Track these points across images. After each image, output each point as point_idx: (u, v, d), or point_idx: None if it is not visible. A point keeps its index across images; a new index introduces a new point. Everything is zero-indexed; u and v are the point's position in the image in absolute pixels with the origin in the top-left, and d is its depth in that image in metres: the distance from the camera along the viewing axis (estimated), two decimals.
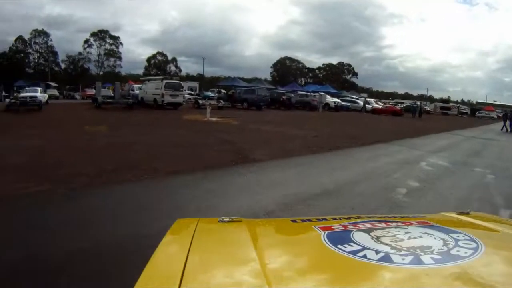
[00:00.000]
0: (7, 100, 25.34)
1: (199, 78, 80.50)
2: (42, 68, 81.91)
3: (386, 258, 0.96)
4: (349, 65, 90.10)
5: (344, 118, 26.73)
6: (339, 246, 1.04)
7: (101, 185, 6.00)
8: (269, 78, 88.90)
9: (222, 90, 42.70)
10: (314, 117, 25.15)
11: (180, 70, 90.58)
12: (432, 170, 8.48)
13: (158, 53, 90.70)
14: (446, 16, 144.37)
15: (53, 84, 51.72)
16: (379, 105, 40.00)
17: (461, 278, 0.90)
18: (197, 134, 12.75)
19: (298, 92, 42.75)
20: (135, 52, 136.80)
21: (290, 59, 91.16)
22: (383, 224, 1.28)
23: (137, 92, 31.00)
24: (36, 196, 5.24)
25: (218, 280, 0.94)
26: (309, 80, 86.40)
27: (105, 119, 17.45)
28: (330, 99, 37.33)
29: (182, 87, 29.84)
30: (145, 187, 6.09)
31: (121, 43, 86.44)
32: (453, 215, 1.53)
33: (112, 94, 30.46)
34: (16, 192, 5.35)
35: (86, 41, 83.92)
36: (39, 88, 30.54)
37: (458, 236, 1.14)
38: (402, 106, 41.49)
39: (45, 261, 3.29)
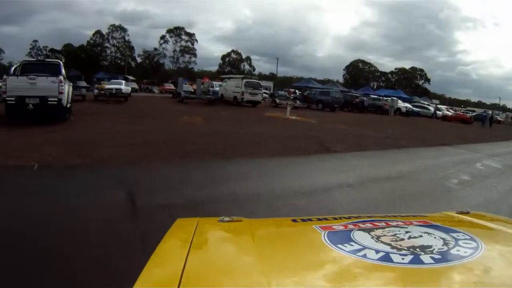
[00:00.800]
0: (96, 91, 27.64)
1: (272, 77, 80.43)
2: (119, 62, 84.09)
3: (386, 258, 0.96)
4: (421, 70, 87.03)
5: (414, 123, 27.35)
6: (340, 246, 1.05)
7: (224, 159, 8.30)
8: (341, 80, 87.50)
9: (297, 91, 44.35)
10: (385, 120, 26.09)
11: (254, 69, 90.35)
12: (485, 169, 9.79)
13: (233, 51, 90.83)
14: None
15: (130, 77, 53.93)
16: (450, 112, 39.69)
17: (461, 277, 0.92)
18: (282, 129, 14.80)
19: (371, 95, 43.39)
20: (207, 49, 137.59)
21: (363, 61, 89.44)
22: (384, 224, 1.29)
23: (217, 89, 33.10)
24: (184, 163, 7.70)
25: (218, 280, 0.94)
26: (381, 84, 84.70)
27: (193, 112, 19.63)
28: (401, 104, 37.65)
29: (261, 86, 31.66)
30: (259, 163, 8.35)
31: (196, 40, 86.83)
32: (453, 214, 1.56)
33: (193, 90, 32.65)
34: (177, 159, 7.87)
35: (162, 37, 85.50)
36: (123, 81, 32.99)
37: (458, 236, 1.14)
38: (473, 114, 40.74)
39: (220, 198, 5.56)
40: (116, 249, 3.51)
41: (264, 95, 36.58)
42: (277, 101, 32.74)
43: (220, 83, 35.41)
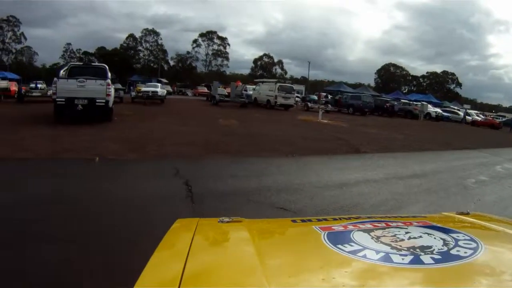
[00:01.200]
0: (133, 93, 28.70)
1: (304, 81, 79.98)
2: (151, 64, 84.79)
3: (386, 258, 0.97)
4: (453, 74, 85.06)
5: (443, 127, 27.56)
6: (339, 246, 1.06)
7: (264, 157, 9.29)
8: (372, 84, 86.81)
9: (328, 95, 44.85)
10: (414, 125, 26.38)
11: (286, 72, 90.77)
12: (503, 171, 10.35)
13: (265, 55, 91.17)
14: None
15: (164, 80, 53.97)
16: (479, 118, 39.32)
17: (461, 278, 0.93)
18: (315, 131, 15.67)
19: (401, 100, 43.46)
20: (238, 52, 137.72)
21: (394, 65, 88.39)
22: (383, 224, 1.30)
23: (250, 92, 33.68)
24: (227, 159, 8.75)
25: (218, 280, 0.95)
26: (412, 88, 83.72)
27: (228, 114, 20.68)
28: (431, 109, 37.50)
29: (294, 90, 32.39)
30: (296, 160, 9.30)
31: (228, 44, 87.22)
32: (453, 215, 1.56)
33: (226, 93, 33.22)
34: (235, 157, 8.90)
35: (195, 41, 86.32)
36: (159, 84, 33.75)
37: (458, 236, 1.14)
38: (502, 119, 40.17)
39: (263, 188, 6.55)
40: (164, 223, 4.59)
41: (296, 99, 37.23)
42: (309, 105, 33.37)
43: (253, 86, 36.31)
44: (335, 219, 1.39)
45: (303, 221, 1.44)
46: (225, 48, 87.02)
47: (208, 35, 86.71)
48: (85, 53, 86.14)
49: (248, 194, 5.92)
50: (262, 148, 10.38)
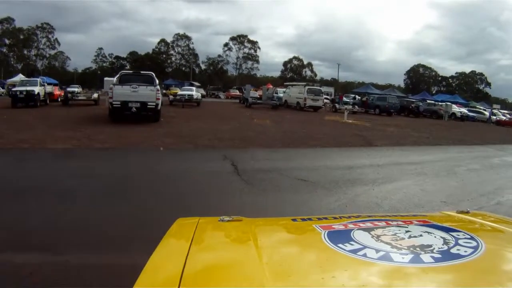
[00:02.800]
0: (171, 96, 30.55)
1: (333, 82, 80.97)
2: (183, 68, 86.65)
3: (387, 257, 0.97)
4: (481, 74, 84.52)
5: (464, 126, 28.47)
6: (340, 245, 1.06)
7: (293, 148, 11.33)
8: (402, 85, 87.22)
9: (357, 96, 46.22)
10: (436, 124, 27.44)
11: (316, 75, 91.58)
12: (498, 162, 11.76)
13: (294, 57, 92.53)
14: None
15: (196, 83, 55.39)
16: (504, 117, 39.63)
17: (461, 277, 0.93)
18: (338, 130, 17.67)
19: (427, 101, 44.37)
20: (269, 54, 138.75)
21: (424, 66, 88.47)
22: (384, 223, 1.30)
23: (281, 95, 35.47)
24: (265, 149, 10.86)
25: (218, 280, 0.95)
26: (442, 88, 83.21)
27: (260, 115, 22.79)
28: (456, 109, 38.33)
29: (322, 93, 34.12)
30: (318, 151, 11.35)
31: (259, 48, 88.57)
32: (453, 214, 1.57)
33: (258, 96, 35.18)
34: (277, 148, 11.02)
35: (226, 45, 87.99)
36: (194, 88, 35.81)
37: (458, 235, 1.15)
38: None
39: (291, 168, 8.57)
40: (228, 185, 6.72)
41: (325, 100, 38.53)
42: (337, 106, 34.71)
43: (284, 89, 38.20)
44: (335, 218, 1.40)
45: (303, 220, 1.44)
46: (255, 51, 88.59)
47: (239, 39, 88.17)
48: (117, 57, 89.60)
49: (278, 170, 8.03)
50: (290, 143, 12.44)
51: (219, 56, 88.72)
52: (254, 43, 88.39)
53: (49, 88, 29.39)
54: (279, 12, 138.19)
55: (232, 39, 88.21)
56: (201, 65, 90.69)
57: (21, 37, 79.13)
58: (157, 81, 16.79)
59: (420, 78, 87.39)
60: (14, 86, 50.55)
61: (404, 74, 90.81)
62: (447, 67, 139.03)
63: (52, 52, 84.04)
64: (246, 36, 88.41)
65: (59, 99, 29.81)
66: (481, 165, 10.96)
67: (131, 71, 18.38)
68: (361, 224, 1.27)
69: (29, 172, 7.23)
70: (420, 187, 7.32)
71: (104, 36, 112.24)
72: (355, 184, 7.18)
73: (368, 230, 1.20)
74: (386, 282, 0.92)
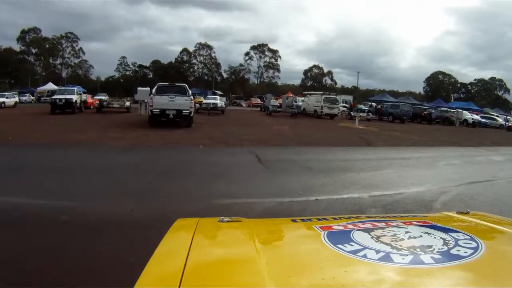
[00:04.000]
0: (197, 105, 31.79)
1: (354, 90, 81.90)
2: (205, 77, 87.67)
3: (386, 258, 0.98)
4: (500, 80, 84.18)
5: (470, 132, 29.69)
6: (340, 246, 1.07)
7: (305, 147, 13.82)
8: (422, 92, 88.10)
9: (373, 104, 48.14)
10: (443, 130, 29.12)
11: (336, 83, 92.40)
12: (482, 160, 13.42)
13: (314, 66, 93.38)
14: None
15: (219, 92, 56.63)
16: None
17: (461, 277, 0.94)
18: (346, 134, 20.15)
19: (441, 108, 46.01)
20: (290, 62, 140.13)
21: (443, 73, 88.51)
22: (383, 224, 1.31)
23: (300, 103, 37.92)
24: (281, 148, 13.40)
25: (218, 280, 0.96)
26: (461, 95, 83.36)
27: (280, 122, 25.50)
28: (468, 116, 39.82)
29: (338, 101, 36.28)
30: (324, 149, 13.79)
31: (280, 57, 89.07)
32: (453, 214, 1.58)
33: (278, 104, 37.47)
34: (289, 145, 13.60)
35: (247, 54, 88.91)
36: (218, 96, 38.74)
37: (458, 236, 1.16)
38: None
39: (301, 160, 11.14)
40: (253, 168, 9.31)
41: (342, 108, 40.77)
42: (352, 113, 36.92)
43: (302, 98, 40.72)
44: (335, 219, 1.41)
45: (303, 220, 1.46)
46: (276, 60, 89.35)
47: (260, 48, 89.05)
48: (140, 66, 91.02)
49: (290, 161, 10.69)
50: (302, 143, 15.01)
51: (241, 65, 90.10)
52: (274, 52, 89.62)
53: (83, 96, 31.98)
54: (299, 20, 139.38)
55: (253, 48, 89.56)
56: (223, 73, 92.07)
57: (47, 46, 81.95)
58: (190, 92, 19.63)
59: (439, 85, 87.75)
60: (43, 94, 54.31)
61: (424, 81, 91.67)
62: (468, 74, 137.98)
63: (76, 60, 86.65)
64: (266, 45, 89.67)
65: (91, 107, 32.42)
66: (461, 161, 13.07)
67: (166, 83, 21.06)
68: (361, 225, 1.28)
69: (112, 160, 10.10)
70: (397, 174, 9.66)
71: (125, 44, 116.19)
72: (347, 171, 9.65)
73: (367, 230, 1.21)
74: (386, 283, 0.92)
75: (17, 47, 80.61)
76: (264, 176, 8.62)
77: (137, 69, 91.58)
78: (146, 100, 27.04)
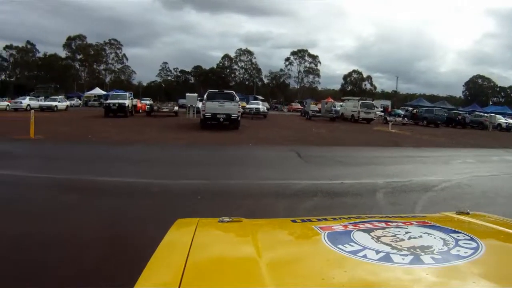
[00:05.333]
0: (240, 109, 34.59)
1: (394, 95, 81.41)
2: (246, 82, 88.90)
3: (387, 258, 0.98)
4: None
5: (502, 136, 30.30)
6: (340, 246, 1.07)
7: (338, 146, 15.95)
8: (462, 96, 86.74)
9: (409, 109, 49.01)
10: (473, 134, 29.63)
11: (375, 88, 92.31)
12: (497, 160, 14.93)
13: (354, 71, 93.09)
14: None
15: (260, 97, 58.11)
16: None
17: (461, 277, 0.94)
18: (378, 136, 22.05)
19: (476, 112, 46.13)
20: (330, 67, 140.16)
21: (482, 77, 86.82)
22: (383, 224, 1.31)
23: (338, 108, 39.33)
24: (319, 147, 15.63)
25: (218, 280, 0.96)
26: (501, 99, 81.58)
27: (319, 126, 27.63)
28: (502, 120, 39.78)
29: (374, 106, 37.95)
30: (355, 148, 15.90)
31: (319, 62, 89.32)
32: (453, 215, 1.58)
33: (318, 109, 39.47)
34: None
35: (287, 59, 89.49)
36: (260, 102, 40.65)
37: (458, 236, 1.16)
38: None
39: (335, 156, 13.37)
40: (294, 162, 11.65)
41: (379, 113, 42.28)
42: (388, 118, 38.28)
43: (341, 103, 42.43)
44: (334, 219, 1.42)
45: (303, 221, 1.46)
46: (316, 65, 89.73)
47: (300, 53, 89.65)
48: (182, 71, 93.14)
49: (324, 156, 13.02)
50: (336, 143, 17.26)
51: (281, 70, 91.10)
52: (314, 57, 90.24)
53: (134, 101, 34.41)
54: (339, 24, 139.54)
55: (293, 53, 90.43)
56: (263, 79, 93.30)
57: (91, 52, 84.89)
58: (237, 98, 22.13)
59: (478, 89, 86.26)
60: (90, 98, 57.86)
61: (463, 85, 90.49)
62: (509, 77, 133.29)
63: (119, 66, 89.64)
64: (306, 50, 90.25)
65: (140, 111, 34.81)
66: (476, 160, 14.51)
67: (216, 90, 23.67)
68: (361, 225, 1.28)
69: (181, 154, 12.76)
70: (414, 168, 11.66)
71: (167, 49, 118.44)
72: (371, 164, 11.75)
73: (368, 231, 1.22)
74: (386, 284, 0.92)
75: (63, 53, 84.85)
76: (302, 167, 10.94)
77: (178, 74, 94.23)
78: (194, 105, 29.96)
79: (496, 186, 9.05)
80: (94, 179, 8.01)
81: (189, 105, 30.81)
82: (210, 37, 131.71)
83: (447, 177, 9.82)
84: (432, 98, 73.15)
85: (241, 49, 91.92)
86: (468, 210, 1.60)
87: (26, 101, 39.03)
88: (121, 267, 3.46)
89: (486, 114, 42.13)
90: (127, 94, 33.11)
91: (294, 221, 1.47)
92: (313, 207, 6.37)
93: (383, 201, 6.92)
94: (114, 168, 9.51)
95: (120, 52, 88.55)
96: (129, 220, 5.44)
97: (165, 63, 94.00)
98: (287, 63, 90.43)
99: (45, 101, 41.00)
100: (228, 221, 1.41)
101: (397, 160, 13.09)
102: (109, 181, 8.03)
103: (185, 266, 0.97)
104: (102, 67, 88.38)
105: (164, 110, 32.61)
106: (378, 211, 6.09)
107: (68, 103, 44.13)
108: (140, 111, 35.04)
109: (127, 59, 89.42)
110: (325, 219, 1.42)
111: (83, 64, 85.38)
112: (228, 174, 9.30)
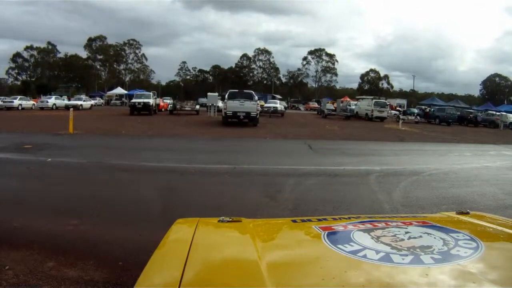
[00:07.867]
0: (259, 107, 35.38)
1: (411, 94, 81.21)
2: (264, 82, 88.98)
3: (387, 258, 0.98)
4: None
5: (506, 134, 30.49)
6: (340, 246, 1.07)
7: (349, 141, 17.59)
8: (479, 95, 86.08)
9: (423, 107, 49.64)
10: (482, 132, 30.35)
11: (392, 87, 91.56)
12: (494, 154, 15.95)
13: (371, 70, 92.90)
14: None
15: (278, 96, 58.74)
16: None
17: (461, 277, 0.93)
18: (387, 133, 23.52)
19: (489, 111, 46.73)
20: (349, 66, 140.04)
21: (499, 76, 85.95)
22: (383, 224, 1.31)
23: (353, 107, 40.70)
24: (330, 141, 17.36)
25: (218, 280, 0.96)
26: None
27: (333, 123, 29.30)
28: None
29: (387, 105, 38.92)
30: (361, 142, 17.44)
31: (337, 61, 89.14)
32: (453, 215, 1.58)
33: (333, 108, 40.68)
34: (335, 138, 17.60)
35: (305, 58, 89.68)
36: (278, 101, 41.60)
37: (458, 236, 1.16)
38: None
39: (343, 148, 15.08)
40: (305, 152, 13.43)
41: (393, 112, 43.11)
42: (401, 116, 38.87)
43: (355, 102, 43.74)
44: (334, 219, 1.42)
45: (303, 221, 1.45)
46: (333, 64, 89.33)
47: (317, 53, 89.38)
48: (201, 70, 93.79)
49: (333, 148, 14.71)
50: (346, 139, 18.91)
51: (299, 69, 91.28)
52: (331, 56, 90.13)
53: (157, 100, 35.81)
54: (358, 23, 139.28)
55: (310, 53, 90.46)
56: (281, 78, 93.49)
57: (111, 52, 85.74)
58: (256, 97, 23.89)
59: (496, 88, 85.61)
60: (112, 97, 59.43)
61: (480, 84, 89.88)
62: None
63: (138, 65, 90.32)
64: (323, 49, 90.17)
65: (163, 109, 36.08)
66: (472, 154, 15.66)
67: (236, 90, 25.44)
68: (361, 225, 1.28)
69: (209, 145, 14.69)
70: (410, 158, 13.20)
71: (186, 49, 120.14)
72: (372, 155, 13.32)
73: (367, 231, 1.22)
74: (386, 283, 0.91)
75: (83, 53, 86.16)
76: (311, 156, 12.77)
77: (197, 73, 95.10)
78: (214, 104, 31.76)
79: (480, 174, 10.09)
80: (144, 164, 9.95)
81: (210, 104, 32.58)
82: (229, 36, 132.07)
83: (438, 166, 11.11)
84: (451, 97, 72.81)
85: (259, 48, 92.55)
86: (468, 210, 1.60)
87: (52, 100, 40.88)
88: (177, 209, 5.40)
89: (498, 113, 42.51)
90: (151, 93, 34.57)
91: (294, 221, 1.47)
92: (316, 183, 8.16)
93: (373, 181, 8.52)
94: (155, 157, 11.42)
95: (139, 52, 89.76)
96: (182, 186, 7.41)
97: (184, 62, 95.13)
98: (304, 62, 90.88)
99: (69, 100, 42.82)
100: (228, 221, 1.41)
101: (397, 152, 14.64)
102: (157, 166, 9.90)
103: (185, 266, 0.98)
104: (122, 66, 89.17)
105: (186, 108, 33.96)
106: (368, 187, 7.79)
107: (92, 102, 45.72)
108: (162, 109, 36.36)
109: (146, 58, 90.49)
110: (325, 219, 1.42)
111: (104, 64, 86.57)
112: (249, 161, 11.16)
